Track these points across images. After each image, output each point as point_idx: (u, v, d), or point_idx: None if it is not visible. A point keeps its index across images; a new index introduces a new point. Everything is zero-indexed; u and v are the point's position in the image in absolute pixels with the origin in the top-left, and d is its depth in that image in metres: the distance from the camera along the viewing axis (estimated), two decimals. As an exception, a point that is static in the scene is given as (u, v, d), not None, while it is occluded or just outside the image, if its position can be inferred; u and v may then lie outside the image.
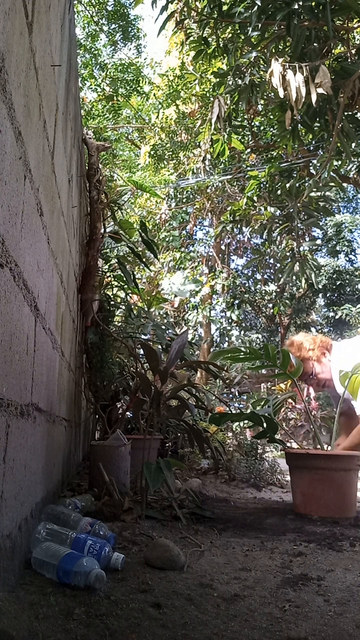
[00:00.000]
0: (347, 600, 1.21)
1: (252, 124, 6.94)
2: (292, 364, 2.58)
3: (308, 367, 2.75)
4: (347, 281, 17.24)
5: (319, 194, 4.95)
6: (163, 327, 4.04)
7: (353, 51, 3.54)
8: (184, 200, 10.92)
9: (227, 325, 11.88)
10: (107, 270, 3.56)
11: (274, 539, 1.84)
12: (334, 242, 17.39)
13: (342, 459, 2.33)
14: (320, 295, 17.58)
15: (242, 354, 2.57)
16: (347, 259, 18.08)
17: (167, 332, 4.36)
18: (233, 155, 7.81)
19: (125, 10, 12.89)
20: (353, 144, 4.50)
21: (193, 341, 10.28)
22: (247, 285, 12.47)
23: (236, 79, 3.91)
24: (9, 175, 0.97)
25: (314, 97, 2.87)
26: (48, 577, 1.12)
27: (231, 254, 13.61)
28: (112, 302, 3.72)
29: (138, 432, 3.38)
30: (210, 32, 4.07)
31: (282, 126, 3.72)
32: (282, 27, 3.21)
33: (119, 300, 4.35)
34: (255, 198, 5.91)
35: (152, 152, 10.11)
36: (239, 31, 3.84)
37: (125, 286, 3.71)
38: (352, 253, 17.79)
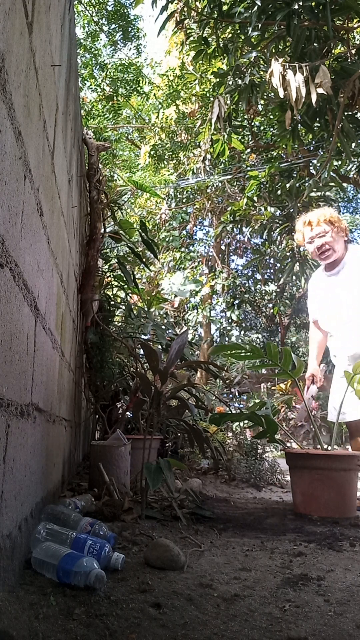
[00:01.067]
0: (347, 600, 1.21)
1: (252, 124, 6.94)
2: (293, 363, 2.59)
3: (325, 230, 2.72)
4: (347, 281, 17.18)
5: (319, 194, 4.96)
6: (163, 327, 4.04)
7: (353, 51, 3.54)
8: (184, 200, 10.92)
9: (227, 325, 11.88)
10: (107, 270, 3.56)
11: (274, 539, 1.84)
12: (334, 242, 17.35)
13: (342, 459, 2.33)
14: (320, 295, 17.50)
15: (243, 351, 2.57)
16: (347, 258, 18.03)
17: (167, 332, 4.36)
18: (233, 155, 7.81)
19: (125, 10, 12.89)
20: (353, 144, 4.50)
21: (193, 341, 10.28)
22: (247, 285, 12.45)
23: (236, 79, 3.91)
24: (9, 175, 0.97)
25: (314, 97, 2.87)
26: (48, 577, 1.12)
27: (231, 254, 13.60)
28: (112, 302, 3.72)
29: (138, 432, 3.38)
30: (210, 32, 4.07)
31: (282, 126, 3.73)
32: (282, 27, 3.21)
33: (119, 300, 4.36)
34: (255, 198, 5.92)
35: (152, 152, 10.11)
36: (239, 31, 3.84)
37: (125, 286, 3.71)
38: (352, 253, 17.75)
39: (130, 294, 4.71)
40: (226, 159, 8.02)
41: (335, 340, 2.84)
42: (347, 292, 2.71)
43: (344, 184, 6.60)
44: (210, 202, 10.66)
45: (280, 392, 6.97)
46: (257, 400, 2.89)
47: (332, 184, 4.65)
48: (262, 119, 7.12)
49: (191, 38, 4.61)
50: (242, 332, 15.00)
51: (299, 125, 3.72)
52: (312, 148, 6.40)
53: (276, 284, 11.59)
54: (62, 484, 2.11)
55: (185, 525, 1.89)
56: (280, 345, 14.94)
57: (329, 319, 2.82)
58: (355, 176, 5.96)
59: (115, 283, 3.80)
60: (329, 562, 1.55)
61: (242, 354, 2.58)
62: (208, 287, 10.87)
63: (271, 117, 6.13)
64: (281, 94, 2.92)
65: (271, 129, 7.29)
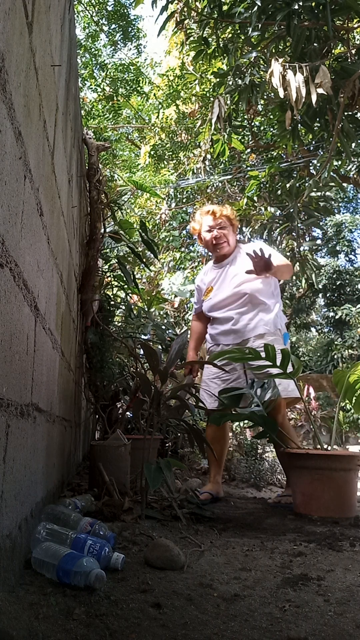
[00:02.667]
0: (347, 600, 1.21)
1: (252, 124, 6.94)
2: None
3: (225, 223, 2.92)
4: (347, 281, 17.26)
5: (319, 194, 4.95)
6: (163, 327, 4.04)
7: (353, 51, 3.54)
8: (184, 200, 10.90)
9: (227, 325, 11.86)
10: (107, 270, 3.56)
11: (274, 539, 1.84)
12: (334, 242, 17.40)
13: (342, 459, 2.33)
14: (320, 295, 17.59)
15: (242, 354, 2.57)
16: (347, 259, 18.09)
17: (167, 332, 4.36)
18: (233, 155, 7.80)
19: (125, 11, 12.88)
20: (353, 144, 4.50)
21: (193, 341, 10.25)
22: (247, 285, 12.43)
23: (236, 79, 3.91)
24: (9, 175, 0.97)
25: (314, 97, 2.87)
26: (48, 577, 1.12)
27: (231, 254, 13.59)
28: (112, 302, 3.72)
29: (138, 432, 3.38)
30: (210, 32, 4.07)
31: (282, 126, 3.72)
32: (282, 27, 3.21)
33: (119, 300, 4.35)
34: (255, 198, 5.91)
35: (152, 152, 10.10)
36: (239, 31, 3.84)
37: (125, 286, 3.71)
38: (352, 253, 17.81)
39: (130, 294, 4.71)
40: (226, 159, 8.01)
41: (225, 329, 2.87)
42: (234, 285, 2.83)
43: (344, 184, 6.60)
44: (210, 202, 10.65)
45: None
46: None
47: (332, 184, 4.64)
48: (262, 119, 7.11)
49: (191, 38, 4.61)
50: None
51: (299, 125, 3.72)
52: (312, 148, 6.39)
53: (276, 284, 11.56)
54: (62, 484, 2.11)
55: (185, 525, 1.89)
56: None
57: (219, 311, 2.90)
58: (355, 176, 5.95)
59: (115, 283, 3.80)
60: (329, 562, 1.55)
61: (241, 357, 2.57)
62: (208, 287, 10.84)
63: (271, 117, 6.12)
64: (281, 94, 2.91)
65: (271, 129, 7.28)
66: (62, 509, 1.47)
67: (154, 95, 10.98)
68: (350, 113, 3.50)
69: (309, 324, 18.17)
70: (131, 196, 9.73)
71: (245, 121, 6.47)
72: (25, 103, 1.10)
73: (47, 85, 1.43)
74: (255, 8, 3.08)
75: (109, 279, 3.61)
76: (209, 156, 6.18)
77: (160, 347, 3.73)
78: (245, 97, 3.85)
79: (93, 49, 12.89)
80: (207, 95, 7.22)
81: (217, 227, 2.91)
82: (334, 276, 17.06)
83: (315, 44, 3.18)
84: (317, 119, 3.54)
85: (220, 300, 2.88)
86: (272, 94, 3.86)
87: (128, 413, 3.62)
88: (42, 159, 1.38)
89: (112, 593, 1.11)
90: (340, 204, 15.90)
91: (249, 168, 7.67)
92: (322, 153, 5.67)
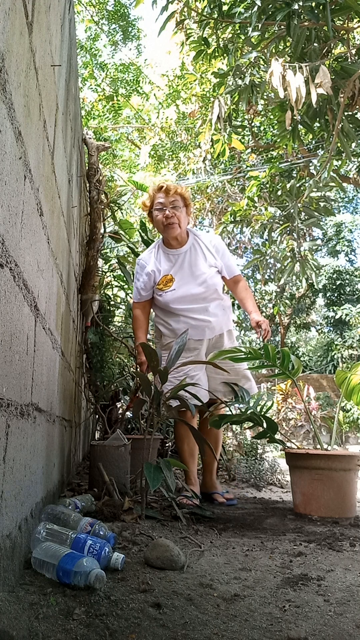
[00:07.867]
0: (347, 600, 1.21)
1: (252, 124, 6.94)
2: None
3: (179, 202, 2.64)
4: (347, 281, 17.29)
5: (319, 194, 4.95)
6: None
7: (353, 51, 3.54)
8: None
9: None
10: (107, 270, 3.56)
11: (274, 539, 1.84)
12: (334, 242, 17.43)
13: (342, 459, 2.33)
14: (320, 295, 17.62)
15: (242, 353, 2.57)
16: (347, 259, 18.12)
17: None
18: (233, 156, 7.81)
19: (125, 11, 12.88)
20: (353, 144, 4.50)
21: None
22: (247, 285, 12.46)
23: (236, 79, 3.91)
24: (9, 175, 0.97)
25: (314, 97, 2.87)
26: (48, 577, 1.12)
27: (231, 254, 13.61)
28: (112, 302, 3.72)
29: (138, 432, 3.38)
30: (211, 33, 4.07)
31: (282, 126, 3.72)
32: (282, 27, 3.21)
33: (119, 300, 4.36)
34: (255, 198, 5.92)
35: (152, 152, 10.11)
36: (239, 31, 3.84)
37: (125, 286, 3.71)
38: (352, 253, 17.84)
39: (130, 294, 4.72)
40: (226, 159, 8.02)
41: (198, 324, 2.64)
42: (202, 278, 2.63)
43: (344, 184, 6.60)
44: (210, 202, 10.66)
45: (281, 392, 6.98)
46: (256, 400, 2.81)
47: (332, 184, 4.64)
48: (262, 119, 7.12)
49: (191, 38, 4.61)
50: (242, 332, 15.00)
51: (299, 125, 3.72)
52: (312, 148, 6.40)
53: (276, 284, 11.59)
54: (62, 484, 2.11)
55: (185, 525, 1.89)
56: (280, 345, 14.96)
57: (190, 304, 2.64)
58: (355, 176, 5.96)
59: (115, 283, 3.80)
60: (329, 562, 1.55)
61: (241, 357, 2.58)
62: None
63: (271, 117, 6.13)
64: (281, 94, 2.91)
65: (271, 129, 7.29)
66: (62, 509, 1.47)
67: (154, 95, 10.98)
68: (350, 113, 3.50)
69: (309, 324, 18.21)
70: (131, 196, 9.72)
71: (245, 121, 6.48)
72: (25, 103, 1.10)
73: (47, 85, 1.43)
74: (255, 8, 3.08)
75: (109, 279, 3.62)
76: (209, 156, 6.18)
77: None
78: (245, 97, 3.85)
79: (93, 49, 12.89)
80: (207, 95, 7.23)
81: (170, 206, 2.61)
82: (334, 276, 17.10)
83: (315, 44, 3.18)
84: (317, 119, 3.53)
85: (191, 293, 2.61)
86: (272, 94, 3.86)
87: (128, 413, 3.62)
88: (42, 159, 1.38)
89: (112, 593, 1.11)
90: (340, 204, 15.92)
91: (249, 168, 7.68)
92: (322, 153, 5.67)
